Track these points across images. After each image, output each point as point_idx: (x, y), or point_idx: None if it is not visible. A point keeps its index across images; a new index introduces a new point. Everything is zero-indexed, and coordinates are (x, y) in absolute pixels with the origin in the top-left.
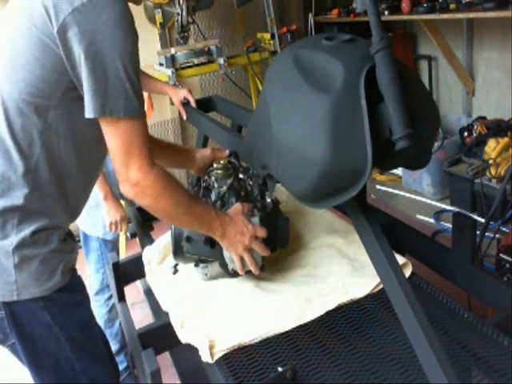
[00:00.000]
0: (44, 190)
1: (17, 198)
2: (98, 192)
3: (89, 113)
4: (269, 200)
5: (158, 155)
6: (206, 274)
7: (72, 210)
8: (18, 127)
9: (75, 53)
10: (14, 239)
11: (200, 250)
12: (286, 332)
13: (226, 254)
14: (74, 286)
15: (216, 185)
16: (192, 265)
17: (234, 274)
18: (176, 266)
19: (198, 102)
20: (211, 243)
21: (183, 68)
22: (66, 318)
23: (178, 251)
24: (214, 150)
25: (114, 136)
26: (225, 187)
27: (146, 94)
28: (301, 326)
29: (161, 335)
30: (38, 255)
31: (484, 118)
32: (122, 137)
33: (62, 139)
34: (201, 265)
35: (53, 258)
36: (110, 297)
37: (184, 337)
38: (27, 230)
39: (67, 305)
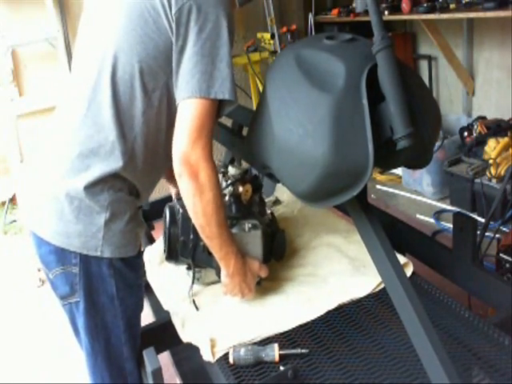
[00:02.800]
0: (136, 162)
1: (116, 164)
2: None
3: (192, 92)
4: (269, 211)
5: None
6: (199, 279)
7: (150, 185)
8: (126, 100)
9: (186, 37)
10: (107, 196)
11: (197, 255)
12: (287, 332)
13: None
14: (138, 268)
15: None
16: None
17: None
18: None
19: None
20: (209, 251)
21: None
22: (126, 295)
23: (171, 253)
24: None
25: (194, 114)
26: (225, 191)
27: None
28: (302, 326)
29: (161, 334)
30: (124, 217)
31: (484, 117)
32: (201, 116)
33: (159, 118)
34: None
35: (131, 225)
36: None
37: (185, 336)
38: (119, 192)
39: (130, 283)
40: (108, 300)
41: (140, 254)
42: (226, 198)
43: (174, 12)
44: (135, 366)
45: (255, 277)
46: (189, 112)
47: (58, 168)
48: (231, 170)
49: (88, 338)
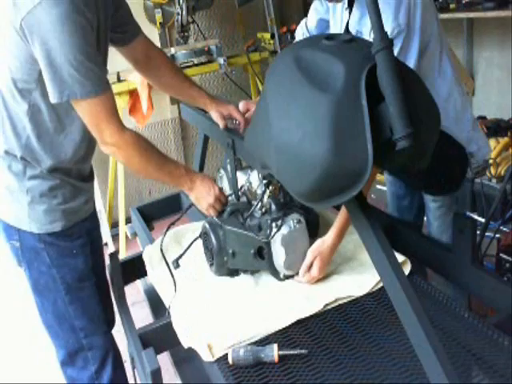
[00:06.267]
0: (38, 157)
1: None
2: None
3: (52, 99)
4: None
5: (168, 79)
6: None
7: (67, 170)
8: (13, 106)
9: (34, 49)
10: (26, 182)
11: (247, 262)
12: (286, 332)
13: (275, 262)
14: (74, 238)
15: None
16: (192, 260)
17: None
18: (177, 260)
19: None
20: (260, 255)
21: (183, 68)
22: (61, 264)
23: (220, 265)
24: (234, 110)
25: (81, 113)
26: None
27: (145, 94)
28: (301, 326)
29: (161, 335)
30: (48, 198)
31: (484, 117)
32: (88, 113)
33: (44, 114)
34: (250, 273)
35: (57, 204)
36: None
37: (186, 342)
38: (37, 179)
39: (64, 252)
40: (46, 268)
41: (75, 225)
42: (265, 200)
43: (19, 28)
44: (88, 321)
45: (213, 183)
46: (78, 112)
47: None
48: (241, 176)
49: (36, 299)
